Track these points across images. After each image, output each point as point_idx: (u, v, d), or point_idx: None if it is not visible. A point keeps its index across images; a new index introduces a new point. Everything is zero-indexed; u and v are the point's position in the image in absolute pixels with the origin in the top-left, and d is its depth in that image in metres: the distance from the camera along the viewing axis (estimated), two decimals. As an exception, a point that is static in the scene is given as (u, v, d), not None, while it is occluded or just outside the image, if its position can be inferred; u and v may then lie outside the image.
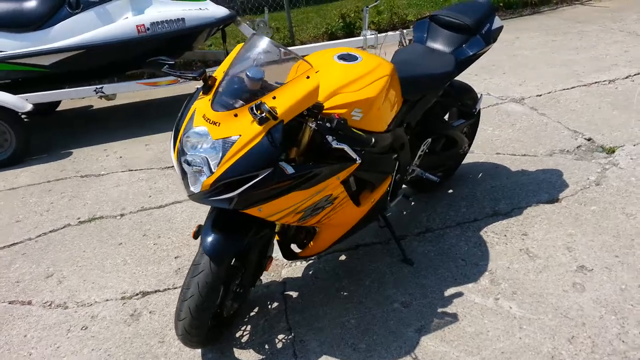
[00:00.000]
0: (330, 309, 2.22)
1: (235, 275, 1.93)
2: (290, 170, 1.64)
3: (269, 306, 2.28)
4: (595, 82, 4.29)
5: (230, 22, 4.72)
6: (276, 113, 1.57)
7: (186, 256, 2.70)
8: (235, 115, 1.60)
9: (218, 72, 1.76)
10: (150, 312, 2.33)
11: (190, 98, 1.82)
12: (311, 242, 2.14)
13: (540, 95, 4.21)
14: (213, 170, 1.61)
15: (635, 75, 4.35)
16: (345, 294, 2.31)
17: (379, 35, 5.10)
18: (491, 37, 2.45)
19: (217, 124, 1.61)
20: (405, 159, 2.36)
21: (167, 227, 2.99)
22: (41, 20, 4.02)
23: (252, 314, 2.25)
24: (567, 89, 4.26)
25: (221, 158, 1.59)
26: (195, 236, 1.89)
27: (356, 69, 1.94)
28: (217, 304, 1.92)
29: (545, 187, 2.92)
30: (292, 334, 2.11)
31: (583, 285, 2.18)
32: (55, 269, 2.71)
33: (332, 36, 6.62)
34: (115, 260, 2.74)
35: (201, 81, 1.72)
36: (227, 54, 5.31)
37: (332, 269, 2.47)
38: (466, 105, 2.59)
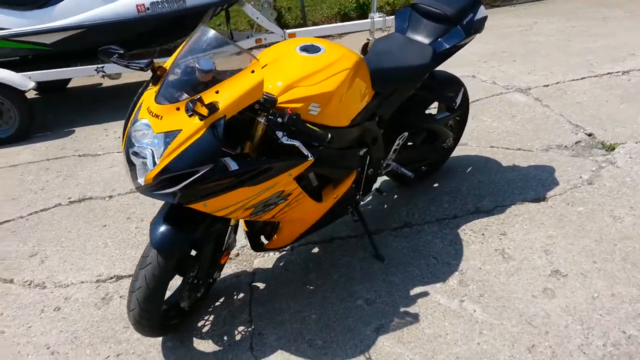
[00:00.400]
0: (294, 303, 2.22)
1: (190, 268, 1.93)
2: (234, 166, 1.61)
3: (235, 297, 2.29)
4: (608, 73, 4.09)
5: (234, 2, 4.67)
6: (218, 108, 1.54)
7: (164, 241, 2.72)
8: (178, 109, 1.58)
9: (168, 63, 1.73)
10: (121, 297, 2.37)
11: (144, 88, 1.80)
12: (275, 235, 2.12)
13: (548, 85, 4.05)
14: (157, 163, 1.59)
15: (652, 66, 4.13)
16: (311, 287, 2.30)
17: (387, 18, 4.97)
18: (472, 27, 2.34)
19: (160, 117, 1.59)
20: (377, 154, 2.30)
21: (151, 211, 3.02)
22: (44, -2, 4.05)
23: (217, 304, 2.26)
24: (577, 79, 4.07)
25: (162, 152, 1.57)
26: None
27: (316, 62, 1.88)
28: (178, 295, 1.94)
29: (533, 184, 2.82)
30: (252, 327, 2.12)
31: (554, 292, 2.11)
32: (39, 249, 2.78)
33: (344, 17, 6.49)
34: (96, 242, 2.79)
35: (150, 71, 1.70)
36: (231, 35, 5.27)
37: (304, 261, 2.46)
38: (445, 98, 2.49)
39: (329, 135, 1.71)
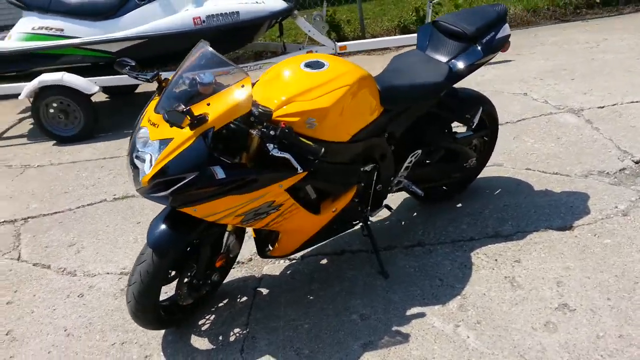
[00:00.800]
0: (292, 311, 2.26)
1: (187, 268, 2.04)
2: (221, 174, 1.70)
3: (238, 299, 2.38)
4: (674, 97, 3.78)
5: (287, 15, 4.82)
6: (207, 119, 1.64)
7: (186, 241, 2.87)
8: (171, 119, 1.69)
9: (173, 76, 1.86)
10: (137, 290, 2.53)
11: (151, 98, 1.94)
12: (276, 244, 2.18)
13: (603, 107, 3.81)
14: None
15: None
16: (312, 297, 2.33)
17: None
18: (492, 46, 2.27)
19: (157, 126, 1.72)
20: (387, 170, 2.30)
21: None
22: (112, 10, 4.43)
23: (220, 304, 2.36)
24: (637, 101, 3.79)
25: (157, 158, 1.69)
26: None
27: (317, 77, 1.93)
28: (176, 293, 2.06)
29: (562, 211, 2.67)
30: (248, 330, 2.19)
31: (556, 326, 1.99)
32: (78, 239, 3.04)
33: (404, 29, 6.47)
34: (128, 237, 3.00)
35: (156, 83, 1.83)
36: (284, 47, 5.43)
37: (310, 272, 2.50)
38: (462, 117, 2.44)
39: (322, 150, 1.75)
